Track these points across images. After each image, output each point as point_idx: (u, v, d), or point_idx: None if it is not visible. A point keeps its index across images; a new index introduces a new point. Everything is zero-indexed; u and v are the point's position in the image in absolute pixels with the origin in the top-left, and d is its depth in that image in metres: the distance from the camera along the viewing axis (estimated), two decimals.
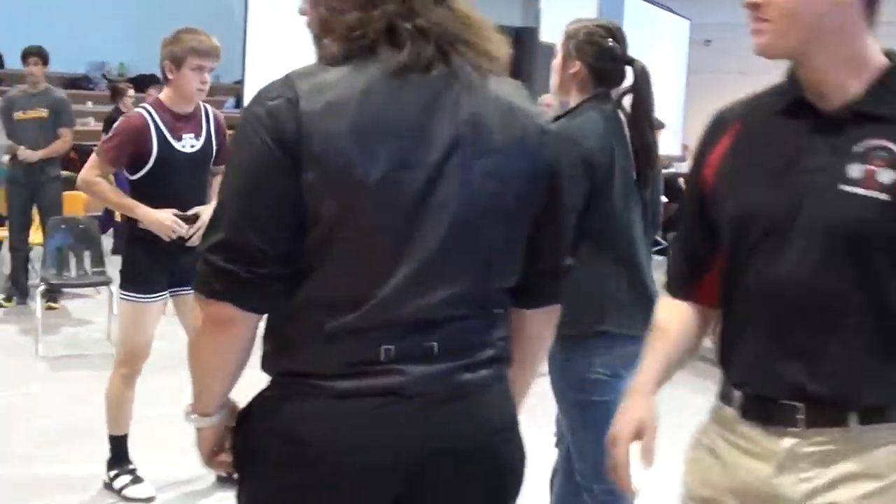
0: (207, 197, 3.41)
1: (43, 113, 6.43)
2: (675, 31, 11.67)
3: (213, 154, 3.42)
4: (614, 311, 2.44)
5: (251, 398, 1.45)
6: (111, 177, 3.86)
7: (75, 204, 6.93)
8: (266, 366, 1.43)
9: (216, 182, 3.37)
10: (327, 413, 1.34)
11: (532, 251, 1.48)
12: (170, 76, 3.32)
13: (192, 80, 3.27)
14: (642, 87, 2.52)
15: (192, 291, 3.09)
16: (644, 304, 2.44)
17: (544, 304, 1.55)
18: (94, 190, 3.38)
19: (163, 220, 3.25)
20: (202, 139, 3.38)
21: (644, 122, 2.51)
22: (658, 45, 11.07)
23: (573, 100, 2.53)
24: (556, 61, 2.57)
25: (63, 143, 6.48)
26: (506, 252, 1.44)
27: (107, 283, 5.50)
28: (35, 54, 6.44)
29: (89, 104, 12.46)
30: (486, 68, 1.42)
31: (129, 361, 3.43)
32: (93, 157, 3.37)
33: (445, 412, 1.38)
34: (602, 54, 2.49)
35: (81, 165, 11.60)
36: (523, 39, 13.75)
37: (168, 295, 3.43)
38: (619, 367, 2.44)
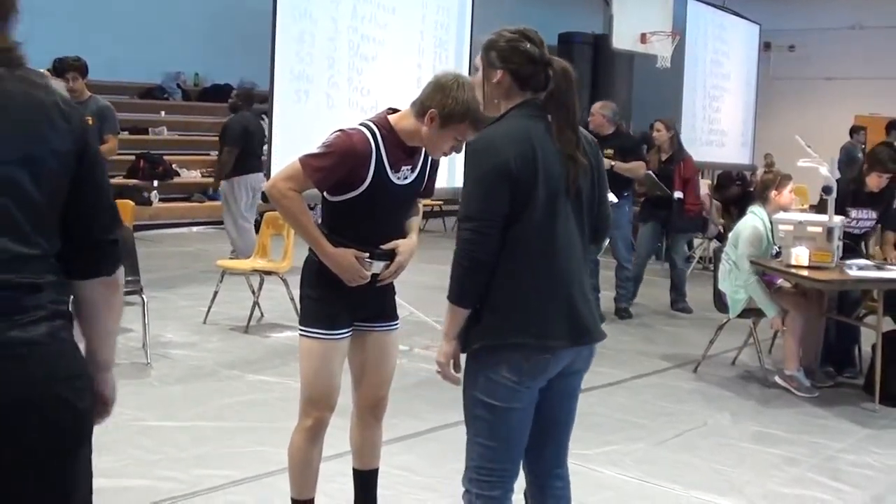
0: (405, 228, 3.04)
1: (90, 120, 6.46)
2: (746, 37, 11.44)
3: (422, 187, 3.05)
4: (529, 323, 2.39)
5: None
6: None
7: (122, 212, 6.98)
8: None
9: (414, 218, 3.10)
10: None
11: (70, 226, 1.65)
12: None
13: (446, 141, 2.85)
14: (562, 89, 2.45)
15: (376, 327, 3.06)
16: (566, 317, 2.42)
17: (90, 276, 1.71)
18: (283, 203, 2.85)
19: (346, 267, 2.85)
20: (416, 172, 2.99)
21: (565, 123, 2.44)
22: (727, 52, 10.88)
23: (501, 110, 2.49)
24: (478, 77, 2.52)
25: (108, 148, 6.34)
26: (46, 226, 1.60)
27: (137, 291, 5.38)
28: (72, 69, 6.34)
29: (162, 114, 12.68)
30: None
31: (316, 408, 2.95)
32: (294, 166, 2.84)
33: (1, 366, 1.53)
34: (521, 58, 2.44)
35: (148, 174, 11.80)
36: (599, 46, 13.64)
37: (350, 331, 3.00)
38: (525, 377, 2.42)
